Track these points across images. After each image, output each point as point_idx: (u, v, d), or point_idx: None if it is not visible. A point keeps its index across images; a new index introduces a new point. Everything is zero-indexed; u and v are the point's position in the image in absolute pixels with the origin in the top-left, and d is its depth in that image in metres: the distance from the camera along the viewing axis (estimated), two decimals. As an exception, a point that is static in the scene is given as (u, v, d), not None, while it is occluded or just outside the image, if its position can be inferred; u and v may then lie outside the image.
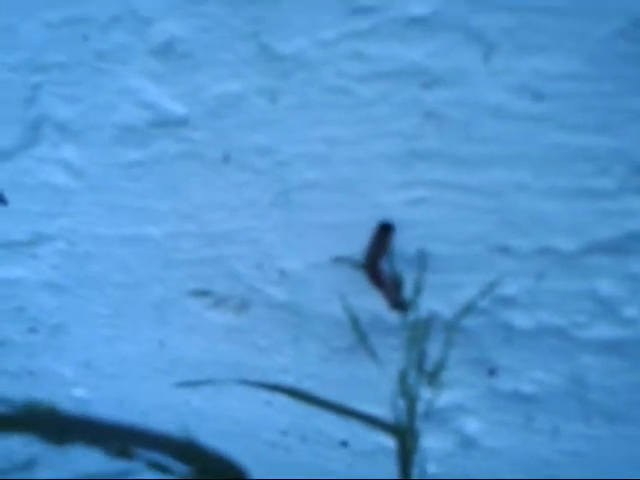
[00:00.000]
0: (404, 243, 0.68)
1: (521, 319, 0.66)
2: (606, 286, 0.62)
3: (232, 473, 0.52)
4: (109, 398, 0.91)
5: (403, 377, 0.61)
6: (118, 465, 0.76)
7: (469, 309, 0.66)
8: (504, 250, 0.64)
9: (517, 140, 0.61)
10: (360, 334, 0.71)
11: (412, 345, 0.64)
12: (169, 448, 0.50)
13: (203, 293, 0.80)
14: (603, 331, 0.63)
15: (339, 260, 0.70)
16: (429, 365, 0.66)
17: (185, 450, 0.51)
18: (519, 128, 0.61)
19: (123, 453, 0.50)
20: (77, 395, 0.93)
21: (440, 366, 0.65)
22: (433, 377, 0.65)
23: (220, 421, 0.86)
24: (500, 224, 0.64)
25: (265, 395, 0.81)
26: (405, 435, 0.60)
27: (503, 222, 0.63)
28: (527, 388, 0.67)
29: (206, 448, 0.55)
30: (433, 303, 0.68)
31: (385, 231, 0.67)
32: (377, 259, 0.67)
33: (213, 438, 0.86)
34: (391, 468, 0.66)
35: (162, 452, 0.51)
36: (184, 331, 0.83)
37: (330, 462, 0.81)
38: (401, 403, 0.61)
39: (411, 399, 0.61)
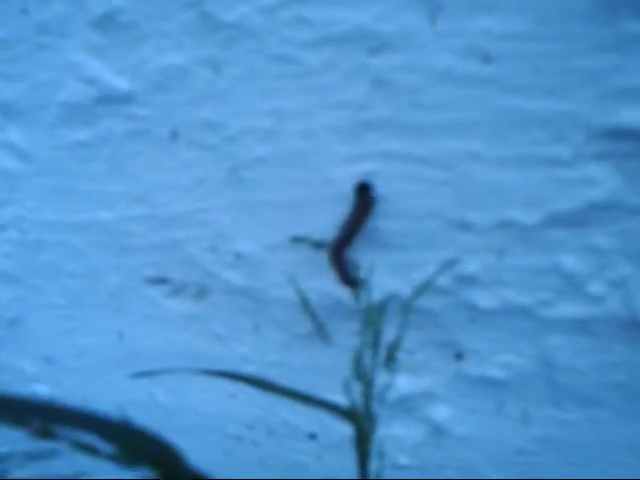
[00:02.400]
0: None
1: (485, 299, 0.64)
2: (569, 261, 0.60)
3: (165, 454, 0.49)
4: (71, 394, 0.90)
5: (358, 359, 0.59)
6: (40, 445, 0.74)
7: (426, 288, 0.63)
8: (462, 225, 0.62)
9: (468, 106, 0.59)
10: (313, 318, 0.69)
11: (368, 327, 0.62)
12: (98, 428, 0.48)
13: (160, 281, 0.79)
14: (569, 309, 0.61)
15: (297, 240, 0.68)
16: (387, 347, 0.63)
17: (117, 430, 0.49)
18: (469, 93, 0.59)
19: (46, 433, 0.48)
20: (39, 391, 0.91)
21: (395, 347, 0.62)
22: (389, 359, 0.62)
23: (185, 415, 0.85)
24: (456, 197, 0.62)
25: (230, 387, 0.80)
26: (361, 420, 0.58)
27: (459, 195, 0.61)
28: (495, 372, 0.66)
29: (139, 428, 0.52)
30: (391, 283, 0.66)
31: (364, 196, 0.65)
32: (351, 237, 0.66)
33: (178, 432, 0.85)
34: (361, 460, 0.63)
35: (92, 432, 0.49)
36: (143, 321, 0.82)
37: (298, 455, 0.79)
38: (357, 388, 0.59)
39: (367, 382, 0.59)
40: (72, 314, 0.87)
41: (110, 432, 0.51)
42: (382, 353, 0.62)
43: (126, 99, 0.73)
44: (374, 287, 0.66)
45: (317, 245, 0.67)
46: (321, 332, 0.70)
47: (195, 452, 0.85)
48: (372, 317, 0.61)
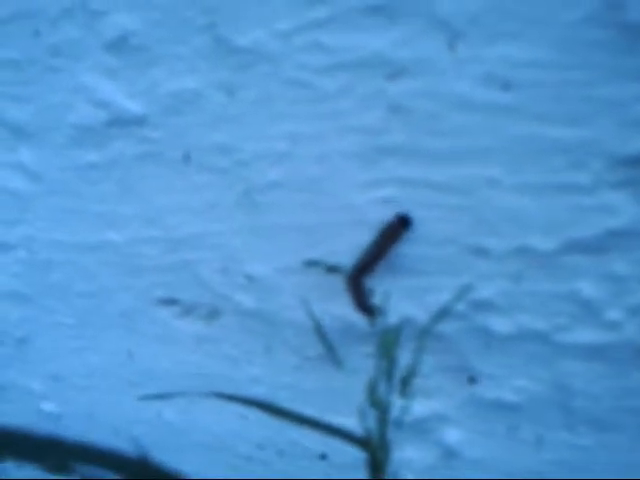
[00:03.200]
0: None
1: (500, 324, 0.63)
2: (587, 287, 0.59)
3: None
4: (79, 412, 0.89)
5: (373, 387, 0.58)
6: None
7: (444, 314, 0.63)
8: (479, 251, 0.61)
9: (486, 132, 0.58)
10: (325, 342, 0.68)
11: (383, 353, 0.61)
12: (116, 465, 0.47)
13: (171, 301, 0.78)
14: (585, 335, 0.61)
15: (311, 264, 0.67)
16: (403, 373, 0.63)
17: (133, 467, 0.48)
18: (488, 120, 0.58)
19: (61, 467, 0.48)
20: (47, 409, 0.91)
21: (411, 373, 0.62)
22: (404, 385, 0.62)
23: (194, 434, 0.84)
24: (473, 223, 0.61)
25: (240, 408, 0.78)
26: (375, 448, 0.57)
27: (476, 221, 0.61)
28: (509, 396, 0.65)
29: (156, 465, 0.52)
30: (406, 308, 0.66)
31: (400, 228, 0.64)
32: (372, 265, 0.65)
33: (187, 452, 0.84)
34: (372, 481, 0.63)
35: (108, 468, 0.48)
36: (153, 341, 0.81)
37: (309, 475, 0.78)
38: (371, 414, 0.58)
39: (382, 410, 0.58)
40: (81, 333, 0.86)
41: (127, 469, 0.50)
42: (397, 378, 0.61)
43: (138, 122, 0.72)
44: (389, 311, 0.65)
45: (331, 269, 0.67)
46: (333, 356, 0.69)
47: (204, 472, 0.85)
48: (387, 343, 0.61)
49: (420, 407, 0.69)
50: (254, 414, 0.79)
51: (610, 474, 0.64)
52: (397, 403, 0.64)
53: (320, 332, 0.68)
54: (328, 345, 0.69)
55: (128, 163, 0.75)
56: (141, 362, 0.84)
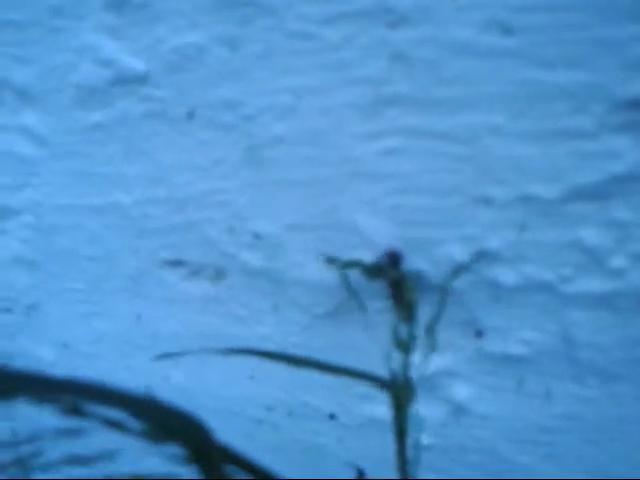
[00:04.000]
0: (378, 197, 0.65)
1: (506, 275, 0.63)
2: (591, 235, 0.59)
3: (194, 430, 0.49)
4: (89, 378, 0.89)
5: (396, 329, 0.59)
6: (70, 422, 0.74)
7: (460, 271, 0.63)
8: (483, 201, 0.62)
9: (488, 79, 0.58)
10: (349, 289, 0.68)
11: (402, 299, 0.62)
12: (126, 405, 0.48)
13: (178, 263, 0.78)
14: (591, 284, 0.61)
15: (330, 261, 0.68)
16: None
17: (144, 407, 0.49)
18: (489, 65, 0.58)
19: (75, 410, 0.48)
20: (57, 375, 0.91)
21: (434, 322, 0.62)
22: (428, 333, 0.62)
23: (203, 398, 0.84)
24: (477, 172, 0.61)
25: (248, 370, 0.79)
26: (399, 388, 0.58)
27: (480, 170, 0.61)
28: (516, 349, 0.65)
29: (166, 404, 0.52)
30: (413, 260, 0.66)
31: None
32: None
33: (198, 416, 0.84)
34: (381, 440, 0.65)
35: (119, 409, 0.48)
36: (161, 304, 0.81)
37: (319, 436, 0.78)
38: (395, 357, 0.58)
39: (406, 349, 0.59)
40: (89, 299, 0.86)
41: (138, 409, 0.50)
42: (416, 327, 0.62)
43: (142, 80, 0.72)
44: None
45: (348, 265, 0.67)
46: (358, 302, 0.69)
47: (215, 436, 0.85)
48: (407, 290, 0.61)
49: (429, 363, 0.69)
50: (263, 376, 0.79)
51: (618, 426, 0.64)
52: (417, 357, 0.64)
53: (346, 280, 0.68)
54: (352, 292, 0.69)
55: (133, 122, 0.75)
56: (149, 325, 0.84)
